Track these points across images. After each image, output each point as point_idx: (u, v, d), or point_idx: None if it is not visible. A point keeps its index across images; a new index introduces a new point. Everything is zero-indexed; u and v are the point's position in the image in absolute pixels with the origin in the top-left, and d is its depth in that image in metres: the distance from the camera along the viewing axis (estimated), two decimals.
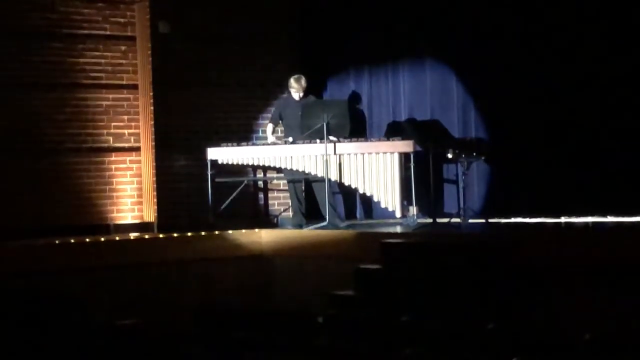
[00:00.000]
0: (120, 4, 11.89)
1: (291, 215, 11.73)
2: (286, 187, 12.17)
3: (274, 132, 11.60)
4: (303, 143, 11.02)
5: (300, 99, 11.35)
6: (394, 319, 6.70)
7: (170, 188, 11.70)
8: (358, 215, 12.13)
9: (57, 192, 11.41)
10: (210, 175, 11.16)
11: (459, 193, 10.88)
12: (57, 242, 10.25)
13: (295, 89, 11.32)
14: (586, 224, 9.76)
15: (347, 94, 12.19)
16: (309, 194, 11.59)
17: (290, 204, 11.83)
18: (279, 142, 11.34)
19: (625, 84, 9.80)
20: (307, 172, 11.01)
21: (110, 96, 11.80)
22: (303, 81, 11.32)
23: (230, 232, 10.75)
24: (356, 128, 11.43)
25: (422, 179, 10.61)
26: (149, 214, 11.77)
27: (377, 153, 10.78)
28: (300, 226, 11.13)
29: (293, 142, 11.13)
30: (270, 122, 11.70)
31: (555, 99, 10.33)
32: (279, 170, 11.53)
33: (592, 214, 9.92)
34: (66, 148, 11.52)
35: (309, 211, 11.51)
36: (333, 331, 6.78)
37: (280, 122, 11.64)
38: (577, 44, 10.14)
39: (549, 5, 10.37)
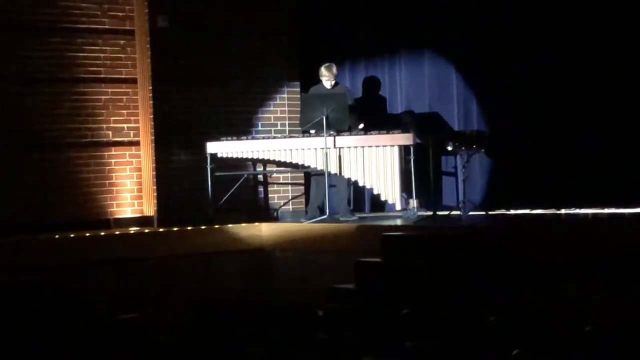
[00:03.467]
0: None
1: (307, 210, 11.53)
2: (286, 181, 12.20)
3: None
4: (303, 136, 11.01)
5: (332, 86, 11.27)
6: (395, 312, 6.70)
7: (170, 182, 11.69)
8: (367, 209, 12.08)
9: (57, 186, 11.39)
10: (210, 169, 11.16)
11: (459, 186, 10.88)
12: (56, 236, 10.25)
13: (327, 77, 11.22)
14: (586, 215, 9.76)
15: (347, 86, 12.17)
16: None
17: (311, 197, 11.48)
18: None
19: (626, 78, 9.80)
20: (306, 165, 10.99)
21: (110, 90, 11.77)
22: (334, 68, 11.22)
23: (230, 226, 10.75)
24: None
25: (422, 172, 10.60)
26: (149, 208, 11.76)
27: (377, 146, 10.75)
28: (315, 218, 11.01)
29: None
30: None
31: (555, 91, 10.33)
32: (279, 163, 11.52)
33: (592, 206, 9.92)
34: (65, 143, 11.50)
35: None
36: (333, 324, 6.78)
37: None
38: (577, 36, 10.14)
39: None
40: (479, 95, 11.19)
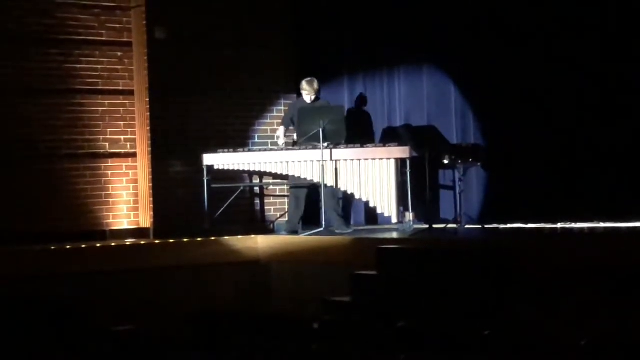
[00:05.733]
0: (117, 10, 11.88)
1: (286, 220, 11.64)
2: (283, 193, 12.18)
3: (285, 135, 11.51)
4: (300, 149, 11.02)
5: (312, 101, 11.31)
6: (390, 324, 6.70)
7: (167, 194, 11.69)
8: (355, 221, 12.09)
9: (53, 198, 11.40)
10: (207, 181, 11.16)
11: (456, 199, 10.88)
12: (52, 247, 10.24)
13: (307, 92, 11.26)
14: (582, 229, 9.77)
15: (343, 99, 12.20)
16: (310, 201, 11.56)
17: (287, 208, 11.76)
18: (290, 145, 11.29)
19: (623, 90, 9.82)
20: (303, 177, 11.00)
21: (107, 102, 11.78)
22: (315, 84, 11.27)
23: (226, 238, 10.74)
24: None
25: (418, 185, 10.60)
26: (145, 220, 11.76)
27: (374, 159, 10.76)
28: (295, 232, 11.09)
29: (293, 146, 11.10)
30: (282, 125, 11.63)
31: (553, 105, 10.35)
32: (275, 176, 11.53)
33: (588, 220, 9.93)
34: (62, 154, 11.51)
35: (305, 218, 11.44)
36: (329, 337, 6.77)
37: (292, 125, 11.53)
38: (575, 51, 10.15)
39: (548, 11, 10.39)
40: (477, 109, 11.21)
